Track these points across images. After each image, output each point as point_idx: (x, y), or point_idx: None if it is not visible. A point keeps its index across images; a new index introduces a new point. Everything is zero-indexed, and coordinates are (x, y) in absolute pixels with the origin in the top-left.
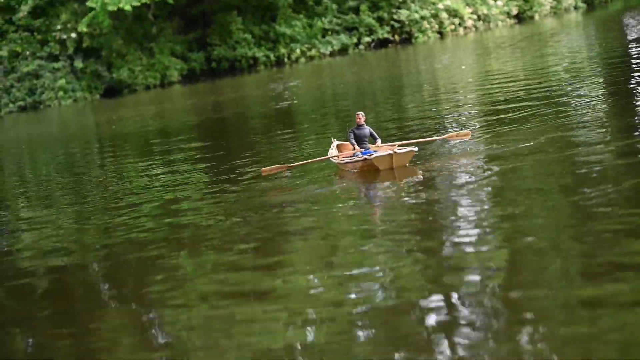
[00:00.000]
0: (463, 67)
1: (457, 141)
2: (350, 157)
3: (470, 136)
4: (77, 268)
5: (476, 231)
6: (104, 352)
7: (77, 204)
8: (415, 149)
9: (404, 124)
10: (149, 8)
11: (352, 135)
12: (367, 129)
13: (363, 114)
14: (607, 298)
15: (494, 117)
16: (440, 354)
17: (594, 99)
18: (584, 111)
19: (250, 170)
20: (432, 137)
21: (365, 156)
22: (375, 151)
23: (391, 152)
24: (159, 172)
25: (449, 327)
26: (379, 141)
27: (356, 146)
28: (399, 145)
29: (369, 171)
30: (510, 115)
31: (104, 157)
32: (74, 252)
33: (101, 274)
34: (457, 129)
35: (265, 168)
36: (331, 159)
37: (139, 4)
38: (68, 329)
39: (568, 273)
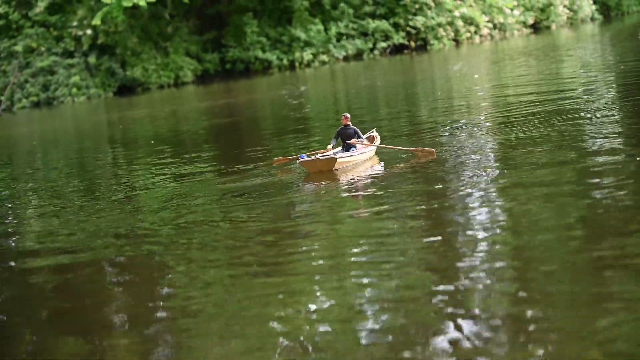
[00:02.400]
0: (476, 75)
1: (424, 160)
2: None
3: (434, 155)
4: (81, 265)
5: (481, 235)
6: (106, 351)
7: (84, 201)
8: (337, 156)
9: (401, 130)
10: (165, 7)
11: (335, 135)
12: (351, 129)
13: (348, 115)
14: (612, 295)
15: (502, 127)
16: (441, 356)
17: (606, 109)
18: (596, 122)
19: (258, 173)
20: (399, 146)
21: (302, 159)
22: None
23: (314, 157)
24: (167, 172)
25: (450, 332)
26: (361, 139)
27: (329, 146)
28: (361, 147)
29: (339, 172)
30: (519, 125)
31: (112, 156)
32: (80, 249)
33: (105, 272)
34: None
35: (277, 158)
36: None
37: (154, 0)
38: (71, 327)
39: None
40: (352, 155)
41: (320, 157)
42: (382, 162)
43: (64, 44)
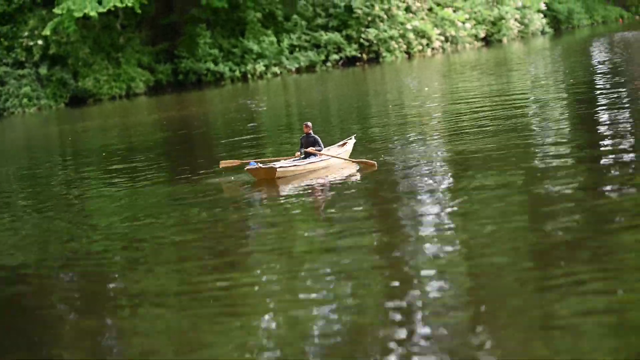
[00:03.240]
0: (426, 88)
1: (368, 170)
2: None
3: (375, 167)
4: (28, 277)
5: (436, 241)
6: None
7: (33, 212)
8: (277, 166)
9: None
10: (117, 17)
11: (300, 144)
12: (312, 138)
13: (309, 124)
14: (561, 314)
15: (451, 139)
16: None
17: (554, 121)
18: (545, 132)
19: (209, 183)
20: (346, 158)
21: (249, 167)
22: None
23: (258, 166)
24: (117, 182)
25: (406, 340)
26: (318, 148)
27: (297, 153)
28: (303, 156)
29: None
30: (467, 137)
31: (62, 167)
32: (26, 262)
33: (53, 284)
34: (373, 156)
35: (224, 161)
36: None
37: (104, 10)
38: (23, 340)
39: (524, 286)
40: (295, 166)
41: (262, 166)
42: (334, 172)
43: (15, 54)
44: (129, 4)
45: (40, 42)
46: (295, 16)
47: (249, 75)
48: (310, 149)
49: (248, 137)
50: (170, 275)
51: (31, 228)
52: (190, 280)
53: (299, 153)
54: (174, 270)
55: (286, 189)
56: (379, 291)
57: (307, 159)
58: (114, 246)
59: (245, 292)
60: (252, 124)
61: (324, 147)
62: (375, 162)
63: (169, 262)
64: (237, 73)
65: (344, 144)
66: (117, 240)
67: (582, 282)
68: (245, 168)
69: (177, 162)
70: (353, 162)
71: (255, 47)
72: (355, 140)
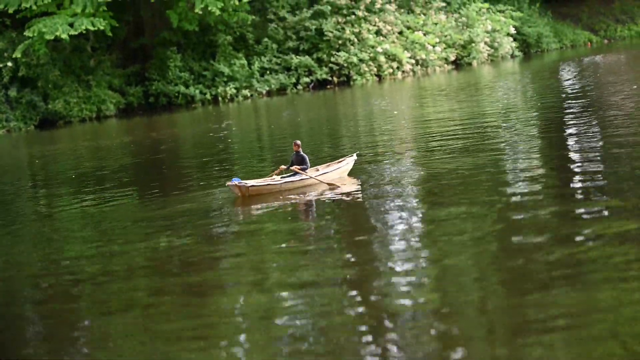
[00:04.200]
0: (395, 112)
1: (334, 189)
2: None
3: (336, 188)
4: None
5: (405, 256)
6: None
7: (1, 234)
8: (249, 184)
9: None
10: (88, 40)
11: (291, 161)
12: (300, 156)
13: (298, 142)
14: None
15: (419, 160)
16: None
17: (523, 143)
18: (514, 154)
19: (178, 204)
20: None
21: (231, 182)
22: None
23: (234, 183)
24: (85, 206)
25: (374, 352)
26: (304, 167)
27: (281, 167)
28: (281, 176)
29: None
30: (436, 159)
31: (32, 190)
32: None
33: (23, 303)
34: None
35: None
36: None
37: (76, 33)
38: None
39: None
40: (269, 184)
41: (237, 183)
42: (310, 191)
43: None
44: (100, 27)
45: (9, 64)
46: (266, 39)
47: (220, 98)
48: (295, 168)
49: (217, 159)
50: (139, 290)
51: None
52: (157, 300)
53: (283, 167)
54: (141, 286)
55: (258, 207)
56: (349, 306)
57: (287, 178)
58: (81, 265)
59: (213, 310)
60: (221, 147)
61: (321, 164)
62: (336, 184)
63: (137, 277)
64: (208, 96)
65: (341, 161)
66: (83, 259)
67: (551, 300)
68: (226, 184)
69: (146, 184)
70: (322, 181)
71: (226, 70)
72: (356, 158)
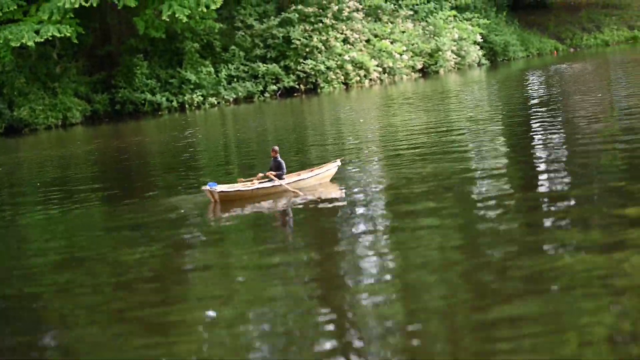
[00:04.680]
0: (361, 120)
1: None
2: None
3: (300, 195)
4: None
5: (370, 267)
6: None
7: None
8: (218, 189)
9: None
10: (54, 47)
11: (270, 167)
12: (277, 162)
13: (276, 148)
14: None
15: (385, 167)
16: None
17: (490, 150)
18: (480, 161)
19: (143, 211)
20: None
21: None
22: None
23: (207, 188)
24: (50, 214)
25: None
26: (279, 173)
27: (259, 175)
28: (257, 182)
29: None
30: (402, 166)
31: None
32: None
33: None
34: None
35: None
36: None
37: (42, 40)
38: None
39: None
40: (239, 190)
41: (208, 188)
42: (281, 197)
43: None
44: (67, 34)
45: None
46: (233, 47)
47: (187, 106)
48: (269, 174)
49: (183, 167)
50: (103, 299)
51: None
52: (134, 308)
53: (261, 174)
54: (106, 296)
55: (225, 215)
56: (313, 318)
57: (264, 183)
58: (45, 273)
59: (178, 320)
60: (187, 155)
61: (304, 170)
62: (300, 192)
63: (103, 286)
64: (175, 103)
65: (322, 167)
66: (47, 267)
67: (514, 304)
68: (202, 188)
69: (112, 192)
70: (288, 190)
71: (193, 78)
72: (340, 164)
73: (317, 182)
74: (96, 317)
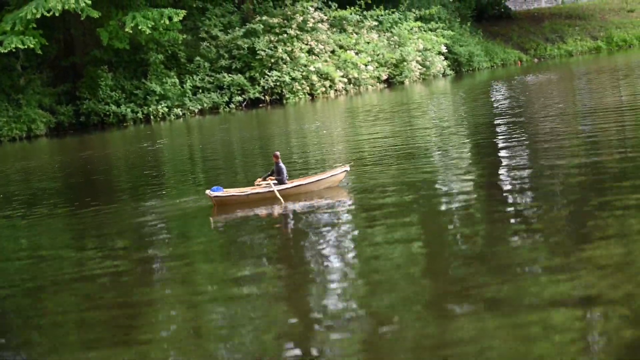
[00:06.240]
0: (324, 131)
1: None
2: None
3: (282, 206)
4: None
5: (339, 268)
6: None
7: None
8: (213, 194)
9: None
10: (17, 58)
11: (272, 171)
12: (278, 167)
13: (277, 153)
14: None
15: (350, 177)
16: None
17: (455, 158)
18: (445, 170)
19: (110, 223)
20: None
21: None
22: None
23: (207, 192)
24: (12, 226)
25: None
26: (279, 178)
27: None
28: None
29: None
30: (367, 175)
31: None
32: None
33: None
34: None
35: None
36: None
37: (5, 51)
38: None
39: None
40: (232, 195)
41: (207, 193)
42: (273, 203)
43: None
44: (30, 45)
45: None
46: (198, 58)
47: (152, 117)
48: (270, 178)
49: (148, 177)
50: (68, 308)
51: None
52: (97, 323)
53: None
54: (71, 304)
55: (221, 218)
56: (278, 328)
57: (256, 188)
58: (8, 275)
59: (143, 327)
60: (152, 165)
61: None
62: (284, 205)
63: (68, 295)
64: (140, 115)
65: (332, 170)
66: (10, 270)
67: (480, 306)
68: (206, 192)
69: (76, 204)
70: (275, 196)
71: (158, 89)
72: (348, 169)
73: (318, 187)
74: (59, 320)
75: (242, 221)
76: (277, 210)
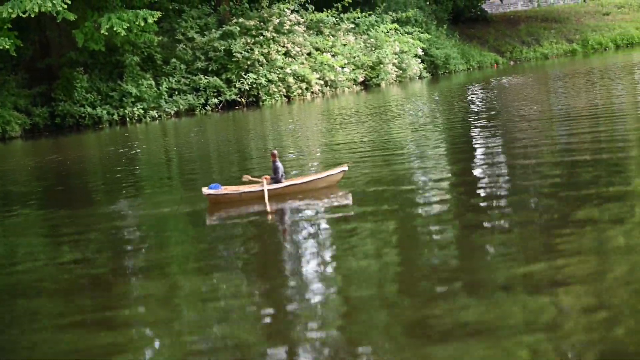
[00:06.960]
0: (299, 133)
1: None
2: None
3: (269, 212)
4: None
5: (312, 272)
6: None
7: None
8: (206, 192)
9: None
10: None
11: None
12: (275, 166)
13: (275, 152)
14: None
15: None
16: None
17: (433, 160)
18: (422, 172)
19: (87, 226)
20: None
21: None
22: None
23: (204, 190)
24: None
25: None
26: (274, 177)
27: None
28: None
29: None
30: (345, 176)
31: None
32: None
33: None
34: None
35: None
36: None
37: None
38: None
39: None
40: (225, 194)
41: (204, 191)
42: (268, 203)
43: None
44: (5, 47)
45: None
46: (174, 60)
47: (128, 119)
48: (265, 177)
49: (124, 179)
50: (44, 310)
51: None
52: (75, 327)
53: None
54: (47, 307)
55: (213, 217)
56: (253, 332)
57: (251, 187)
58: None
59: (120, 329)
60: (128, 167)
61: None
62: (269, 210)
63: (44, 297)
64: (116, 117)
65: (324, 172)
66: None
67: (458, 315)
68: (203, 189)
69: (52, 206)
70: (264, 197)
71: (134, 91)
72: (346, 169)
73: (314, 187)
74: (37, 319)
75: (226, 221)
76: (268, 210)
